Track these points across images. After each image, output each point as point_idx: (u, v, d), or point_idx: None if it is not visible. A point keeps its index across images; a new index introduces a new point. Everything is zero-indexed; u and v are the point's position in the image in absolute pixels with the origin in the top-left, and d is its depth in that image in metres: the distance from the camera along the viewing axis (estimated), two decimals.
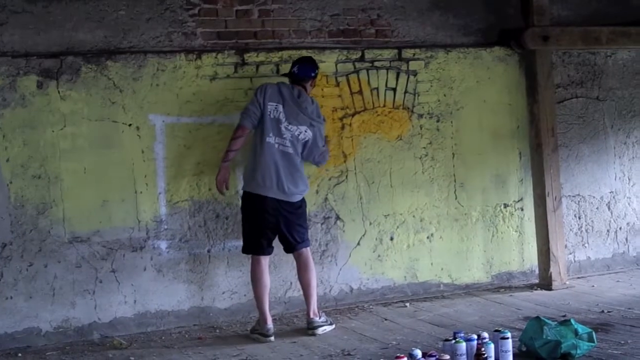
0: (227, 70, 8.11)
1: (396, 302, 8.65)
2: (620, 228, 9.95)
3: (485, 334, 6.41)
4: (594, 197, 9.80)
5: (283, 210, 7.54)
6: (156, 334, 7.78)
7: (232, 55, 8.13)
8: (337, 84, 8.52)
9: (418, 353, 6.03)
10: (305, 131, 7.59)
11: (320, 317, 7.71)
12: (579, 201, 9.70)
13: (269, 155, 7.48)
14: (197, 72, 8.00)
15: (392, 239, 8.76)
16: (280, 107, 7.54)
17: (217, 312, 8.13)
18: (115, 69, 7.73)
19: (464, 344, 6.15)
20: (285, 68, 8.11)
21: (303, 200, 7.73)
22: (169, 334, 7.79)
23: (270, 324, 7.52)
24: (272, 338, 7.44)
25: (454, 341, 6.20)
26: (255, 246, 7.62)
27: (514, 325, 7.45)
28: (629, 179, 9.99)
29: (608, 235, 9.89)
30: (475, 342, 6.22)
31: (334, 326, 7.74)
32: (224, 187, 7.71)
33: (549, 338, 6.32)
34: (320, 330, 7.59)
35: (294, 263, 7.85)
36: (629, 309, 7.99)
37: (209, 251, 8.09)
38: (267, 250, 7.65)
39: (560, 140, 9.36)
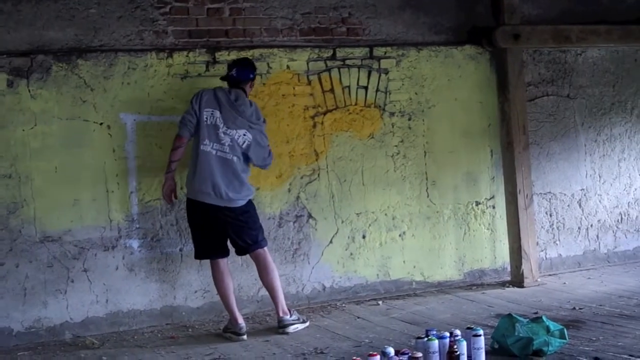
0: (199, 69, 8.09)
1: (369, 300, 8.66)
2: (591, 225, 10.00)
3: (458, 332, 6.42)
4: (565, 194, 9.84)
5: (226, 216, 7.48)
6: (128, 334, 7.76)
7: (204, 54, 8.12)
8: (309, 83, 8.52)
9: (391, 351, 6.03)
10: (245, 134, 7.49)
11: (291, 315, 7.69)
12: (550, 199, 9.74)
13: (205, 162, 7.41)
14: (169, 70, 7.97)
15: (364, 237, 8.77)
16: (217, 113, 7.46)
17: (189, 311, 8.11)
18: (86, 67, 7.70)
19: (436, 342, 6.15)
20: (257, 66, 8.10)
21: (249, 204, 7.64)
22: (141, 334, 7.76)
23: (242, 322, 7.51)
24: (245, 337, 7.43)
25: (426, 339, 6.19)
26: (205, 251, 7.62)
27: (486, 322, 7.48)
28: (599, 177, 10.04)
29: (579, 232, 9.94)
30: (447, 340, 6.21)
31: (307, 324, 7.73)
32: (172, 197, 7.70)
33: (520, 335, 6.35)
34: (291, 329, 7.58)
35: None
36: (600, 305, 8.04)
37: (181, 250, 8.06)
38: (219, 254, 7.60)
39: (531, 138, 9.40)
